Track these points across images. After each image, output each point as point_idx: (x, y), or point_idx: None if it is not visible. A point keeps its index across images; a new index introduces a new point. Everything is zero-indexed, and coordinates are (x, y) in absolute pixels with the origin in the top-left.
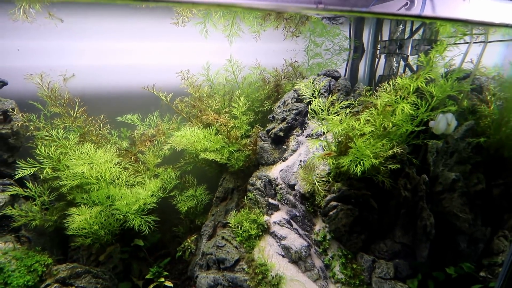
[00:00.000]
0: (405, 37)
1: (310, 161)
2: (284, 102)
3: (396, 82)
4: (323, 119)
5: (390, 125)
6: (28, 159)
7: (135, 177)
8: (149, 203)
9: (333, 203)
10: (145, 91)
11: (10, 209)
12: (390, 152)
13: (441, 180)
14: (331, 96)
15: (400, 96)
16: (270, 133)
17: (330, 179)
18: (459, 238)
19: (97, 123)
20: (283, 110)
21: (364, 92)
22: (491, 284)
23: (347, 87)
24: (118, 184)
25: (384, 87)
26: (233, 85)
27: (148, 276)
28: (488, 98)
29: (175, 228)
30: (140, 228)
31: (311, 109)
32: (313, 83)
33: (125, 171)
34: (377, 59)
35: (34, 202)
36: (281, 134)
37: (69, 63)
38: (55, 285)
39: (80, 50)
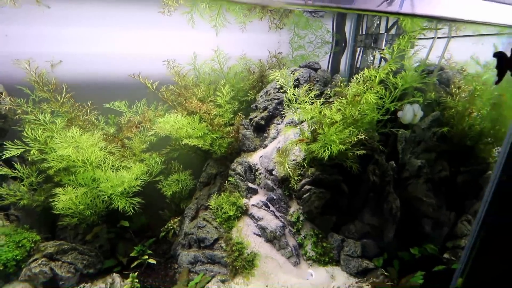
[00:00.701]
0: (380, 32)
1: (284, 146)
2: (267, 92)
3: (363, 74)
4: (297, 108)
5: (357, 113)
6: (15, 141)
7: (121, 162)
8: (134, 186)
9: (307, 186)
10: (132, 79)
11: (1, 188)
12: (355, 138)
13: (408, 167)
14: (309, 86)
15: (367, 87)
16: (252, 121)
17: (305, 164)
18: (424, 222)
19: (84, 109)
20: (265, 100)
21: (339, 83)
22: (454, 265)
23: (326, 78)
24: (104, 168)
25: (355, 78)
26: (219, 75)
27: (132, 254)
28: (454, 90)
29: (161, 212)
30: (125, 209)
31: (286, 98)
32: (292, 73)
33: (111, 155)
34: (357, 53)
35: (22, 183)
36: (263, 122)
37: (56, 50)
38: (43, 259)
39: (67, 37)
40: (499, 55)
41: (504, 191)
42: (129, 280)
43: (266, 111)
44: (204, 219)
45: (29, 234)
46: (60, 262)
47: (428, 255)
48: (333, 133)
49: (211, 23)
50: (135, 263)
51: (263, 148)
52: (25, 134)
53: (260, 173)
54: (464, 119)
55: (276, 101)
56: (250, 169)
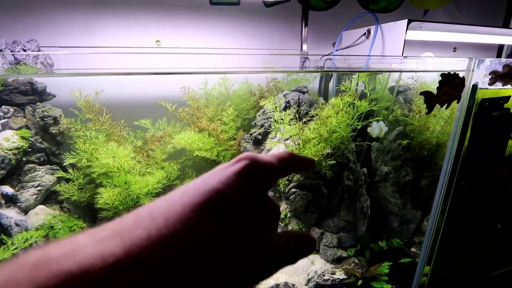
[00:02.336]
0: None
1: None
2: (264, 111)
3: (330, 101)
4: (279, 128)
5: (325, 132)
6: (71, 152)
7: (146, 169)
8: (156, 188)
9: (293, 189)
10: (155, 101)
11: (58, 186)
12: (326, 152)
13: (378, 173)
14: (299, 107)
15: (334, 111)
16: (252, 136)
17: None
18: (391, 218)
19: (119, 127)
20: (262, 118)
21: (320, 105)
22: (418, 260)
23: (311, 101)
24: (133, 173)
25: (328, 102)
26: (225, 97)
27: None
28: (414, 108)
29: None
30: None
31: (274, 119)
32: (285, 96)
33: (139, 163)
34: (341, 78)
35: (74, 184)
36: (260, 137)
37: (100, 79)
38: None
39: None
40: (425, 94)
41: (454, 194)
42: None
43: (263, 128)
44: None
45: (78, 222)
46: None
47: (395, 248)
48: (309, 147)
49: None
50: None
51: None
52: (76, 147)
53: None
54: (422, 133)
55: (271, 119)
56: None
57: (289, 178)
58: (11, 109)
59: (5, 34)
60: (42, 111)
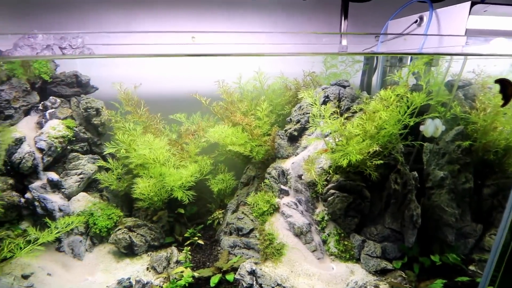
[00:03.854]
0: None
1: (311, 156)
2: (300, 106)
3: (379, 94)
4: (320, 122)
5: (373, 128)
6: (108, 143)
7: (180, 162)
8: (189, 181)
9: (331, 191)
10: (190, 96)
11: (99, 175)
12: (372, 149)
13: (431, 177)
14: (339, 102)
15: (384, 105)
16: (287, 132)
17: (331, 171)
18: (446, 230)
19: (155, 119)
20: (298, 114)
21: (364, 100)
22: (478, 279)
23: (353, 95)
24: (167, 165)
25: (375, 96)
26: (259, 92)
27: (186, 235)
28: (478, 105)
29: (209, 205)
30: (182, 199)
31: (312, 114)
32: (323, 90)
33: (173, 156)
34: (386, 71)
35: (113, 173)
36: (295, 133)
37: (138, 74)
38: (124, 229)
39: (145, 63)
40: (502, 82)
41: None
42: (183, 252)
43: (299, 124)
44: (243, 212)
45: (115, 210)
46: (135, 233)
47: (450, 264)
48: (352, 144)
49: None
50: (188, 242)
51: (295, 156)
52: (116, 138)
53: (291, 177)
54: (487, 134)
55: (308, 115)
56: (283, 173)
57: (328, 178)
58: (58, 100)
59: (54, 29)
60: (86, 102)
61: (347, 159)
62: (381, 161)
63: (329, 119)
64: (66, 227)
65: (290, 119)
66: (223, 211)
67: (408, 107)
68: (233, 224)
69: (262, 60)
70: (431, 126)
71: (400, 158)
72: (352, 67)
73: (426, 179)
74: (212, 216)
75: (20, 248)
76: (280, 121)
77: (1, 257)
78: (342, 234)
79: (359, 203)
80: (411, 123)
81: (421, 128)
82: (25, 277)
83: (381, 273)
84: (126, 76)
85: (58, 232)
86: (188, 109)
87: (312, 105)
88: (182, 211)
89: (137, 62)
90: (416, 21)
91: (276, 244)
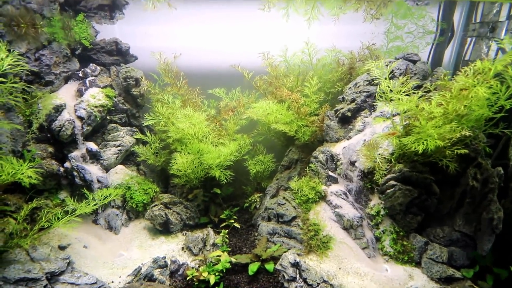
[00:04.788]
0: (499, 20)
1: (374, 139)
2: (356, 84)
3: (474, 66)
4: (390, 99)
5: (462, 108)
6: (147, 114)
7: (218, 139)
8: (228, 160)
9: (392, 182)
10: (231, 70)
11: (137, 148)
12: (458, 134)
13: None
14: (406, 79)
15: (478, 80)
16: (338, 112)
17: (393, 159)
18: None
19: (194, 93)
20: (354, 92)
21: (442, 76)
22: None
23: (425, 71)
24: (205, 142)
25: (463, 71)
26: (307, 66)
27: (222, 216)
28: None
29: (244, 187)
30: (219, 178)
31: (380, 89)
32: (387, 65)
33: (213, 132)
34: (466, 43)
35: (151, 147)
36: (349, 114)
37: (177, 45)
38: (160, 205)
39: (184, 34)
40: None
41: None
42: (221, 235)
43: (354, 103)
44: (284, 197)
45: (152, 186)
46: (171, 210)
47: None
48: (431, 127)
49: (305, 17)
50: (223, 224)
51: (347, 139)
52: (155, 110)
53: (341, 163)
54: None
55: (365, 93)
56: (332, 159)
57: (388, 167)
58: (98, 68)
59: None
60: (126, 71)
61: (424, 144)
62: (465, 151)
63: (400, 97)
64: (103, 199)
65: (343, 97)
66: (260, 194)
67: (509, 87)
68: (272, 209)
69: (311, 31)
70: None
71: (486, 149)
72: (423, 40)
73: (511, 178)
74: (250, 199)
75: (58, 218)
76: (328, 100)
77: (39, 226)
78: (401, 233)
79: (424, 199)
80: (507, 106)
81: None
82: (62, 248)
83: (446, 281)
84: (166, 47)
85: (96, 204)
86: (228, 84)
87: (371, 82)
88: (218, 191)
89: (178, 28)
90: None
91: (322, 236)
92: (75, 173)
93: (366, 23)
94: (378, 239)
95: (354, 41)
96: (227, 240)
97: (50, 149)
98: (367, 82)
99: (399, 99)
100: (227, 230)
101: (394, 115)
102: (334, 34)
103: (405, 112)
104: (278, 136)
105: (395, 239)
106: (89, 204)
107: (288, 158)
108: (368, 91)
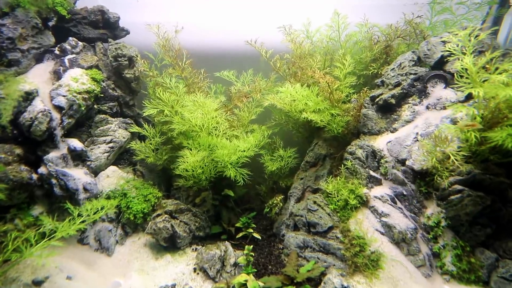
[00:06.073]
0: None
1: (439, 131)
2: (400, 64)
3: None
4: (483, 80)
5: None
6: (147, 101)
7: (231, 131)
8: (244, 156)
9: (458, 186)
10: (240, 49)
11: (134, 144)
12: None
13: None
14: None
15: None
16: (377, 99)
17: (459, 158)
18: None
19: (199, 76)
20: (398, 74)
21: None
22: None
23: (497, 49)
24: (215, 134)
25: None
26: (334, 44)
27: (237, 225)
28: None
29: (258, 187)
30: (235, 179)
31: (461, 67)
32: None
33: (225, 122)
34: None
35: (150, 142)
36: (392, 101)
37: (179, 20)
38: (165, 215)
39: (188, 8)
40: None
41: None
42: (244, 252)
43: (399, 88)
44: (315, 202)
45: (153, 190)
46: (178, 220)
47: None
48: None
49: None
50: (240, 234)
51: (391, 132)
52: (155, 96)
53: (386, 161)
54: None
55: (412, 76)
56: (374, 155)
57: (453, 167)
58: (80, 43)
59: None
60: (116, 48)
61: None
62: None
63: (498, 77)
64: (93, 214)
65: (382, 81)
66: (281, 196)
67: None
68: (301, 216)
69: (338, 1)
70: None
71: None
72: (479, 11)
73: None
74: (270, 202)
75: (31, 244)
76: (360, 84)
77: (4, 257)
78: (467, 248)
79: (498, 208)
80: None
81: None
82: (37, 283)
83: None
84: (164, 20)
85: (83, 221)
86: (238, 66)
87: (418, 62)
88: (230, 193)
89: (178, 2)
90: None
91: (369, 252)
92: (53, 181)
93: None
94: (436, 255)
95: (390, 15)
96: (251, 259)
97: (18, 151)
98: (413, 62)
99: (492, 81)
100: (251, 246)
101: (461, 102)
102: (366, 6)
103: (492, 98)
104: (297, 127)
105: (460, 255)
106: (74, 223)
107: (314, 153)
108: (416, 73)
